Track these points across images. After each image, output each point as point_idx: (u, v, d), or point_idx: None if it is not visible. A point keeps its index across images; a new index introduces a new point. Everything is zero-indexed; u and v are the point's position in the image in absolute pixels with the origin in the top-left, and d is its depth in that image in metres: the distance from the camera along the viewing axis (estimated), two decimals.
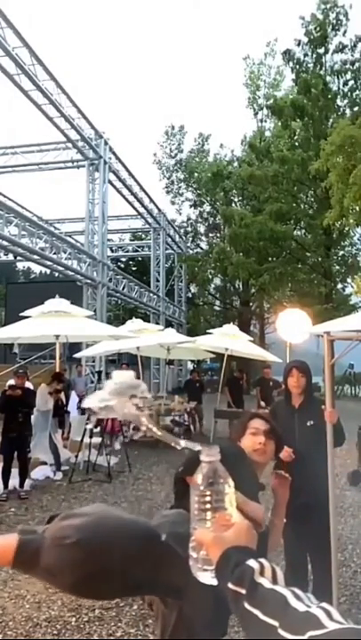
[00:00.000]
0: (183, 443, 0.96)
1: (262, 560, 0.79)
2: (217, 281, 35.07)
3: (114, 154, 19.57)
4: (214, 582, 0.83)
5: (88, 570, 1.30)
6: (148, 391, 1.01)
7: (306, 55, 22.46)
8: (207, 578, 0.86)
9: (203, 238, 35.25)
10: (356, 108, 21.72)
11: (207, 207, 33.50)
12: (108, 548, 1.31)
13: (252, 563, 0.78)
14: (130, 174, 21.51)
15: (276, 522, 1.96)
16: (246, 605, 0.73)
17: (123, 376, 1.04)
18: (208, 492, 0.88)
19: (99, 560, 1.30)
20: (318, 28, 21.82)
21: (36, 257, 15.27)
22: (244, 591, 0.74)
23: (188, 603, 1.50)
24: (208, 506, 0.88)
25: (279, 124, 24.39)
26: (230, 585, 0.77)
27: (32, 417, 6.84)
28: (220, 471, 0.89)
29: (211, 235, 34.79)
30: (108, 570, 1.31)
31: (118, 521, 1.39)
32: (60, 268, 16.32)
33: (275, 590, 0.72)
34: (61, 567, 1.30)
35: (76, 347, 13.63)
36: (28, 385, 7.25)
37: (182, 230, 33.12)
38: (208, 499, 0.88)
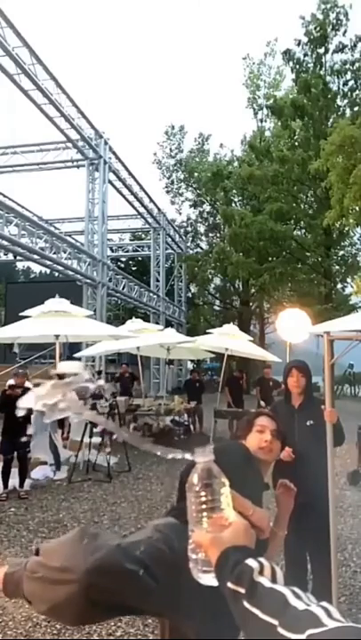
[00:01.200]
0: (171, 455, 0.94)
1: (261, 559, 0.79)
2: (217, 281, 35.10)
3: (114, 153, 19.57)
4: (215, 583, 0.83)
5: (53, 602, 1.39)
6: (91, 378, 0.97)
7: (306, 55, 22.44)
8: (208, 579, 0.86)
9: (203, 238, 35.30)
10: (356, 108, 21.71)
11: (207, 207, 33.52)
12: (70, 582, 1.35)
13: (251, 562, 0.78)
14: (130, 174, 21.51)
15: (280, 533, 1.91)
16: (246, 604, 0.73)
17: (67, 367, 1.00)
18: (203, 493, 0.88)
19: (62, 594, 1.36)
20: (318, 28, 21.80)
21: (35, 257, 15.28)
22: (243, 590, 0.74)
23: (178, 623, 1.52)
24: (204, 507, 0.88)
25: (279, 123, 24.39)
26: (229, 584, 0.77)
27: (32, 417, 6.83)
28: (215, 471, 0.89)
29: (211, 234, 34.81)
30: (73, 603, 1.36)
31: (88, 555, 1.39)
32: (60, 268, 16.32)
33: (274, 589, 0.72)
34: (33, 597, 1.45)
35: (75, 346, 13.63)
36: (28, 385, 7.24)
37: (182, 230, 33.12)
38: (204, 499, 0.88)
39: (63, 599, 1.37)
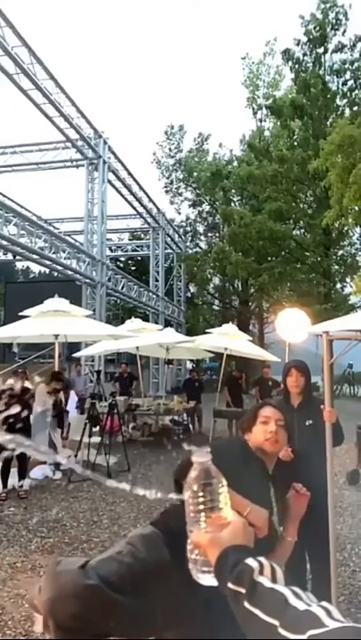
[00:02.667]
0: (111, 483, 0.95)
1: (261, 559, 0.79)
2: (216, 280, 35.09)
3: (113, 153, 19.55)
4: (215, 583, 0.84)
5: (45, 624, 1.53)
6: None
7: (305, 55, 22.44)
8: (208, 579, 0.86)
9: (202, 238, 35.33)
10: (355, 108, 21.71)
11: (206, 207, 33.52)
12: (47, 608, 1.49)
13: (251, 562, 0.78)
14: (129, 174, 21.50)
15: (288, 538, 1.85)
16: (246, 605, 0.73)
17: None
18: (201, 494, 0.88)
19: (44, 618, 1.51)
20: (318, 28, 21.80)
21: (35, 256, 15.26)
22: (243, 590, 0.74)
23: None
24: (202, 507, 0.88)
25: (278, 123, 24.39)
26: (230, 584, 0.77)
27: (31, 416, 6.83)
28: (213, 471, 0.89)
29: (210, 234, 34.81)
30: (58, 625, 1.47)
31: (49, 584, 1.52)
32: (60, 268, 16.31)
33: (275, 589, 0.72)
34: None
35: (75, 346, 13.62)
36: (27, 385, 7.24)
37: (181, 230, 33.10)
38: (202, 500, 0.88)
39: (44, 625, 1.52)
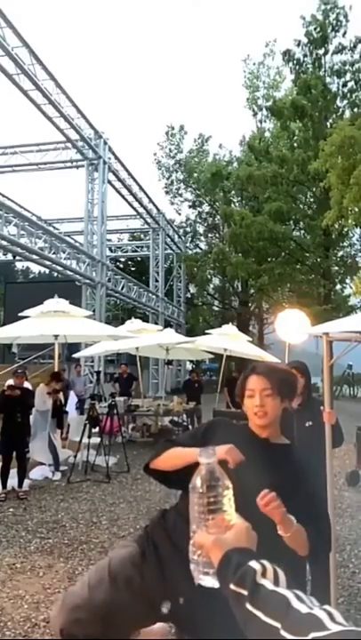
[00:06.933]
0: None
1: (264, 561, 0.79)
2: (216, 281, 35.10)
3: (113, 154, 19.56)
4: (216, 584, 0.84)
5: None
6: None
7: (306, 56, 22.46)
8: (209, 581, 0.86)
9: (202, 238, 35.30)
10: (355, 109, 21.73)
11: (206, 207, 33.53)
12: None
13: (253, 564, 0.78)
14: (129, 174, 21.51)
15: (282, 534, 1.52)
16: (248, 606, 0.73)
17: None
18: (207, 495, 0.88)
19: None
20: (318, 29, 21.83)
21: (35, 257, 15.26)
22: (245, 592, 0.74)
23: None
24: (207, 508, 0.88)
25: (278, 124, 24.41)
26: (232, 586, 0.77)
27: (31, 417, 6.83)
28: (218, 473, 0.89)
29: (210, 235, 34.81)
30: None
31: (54, 608, 1.78)
32: (59, 268, 16.31)
33: (277, 592, 0.72)
34: None
35: (74, 347, 13.61)
36: (27, 385, 7.24)
37: (181, 230, 33.09)
38: (207, 501, 0.88)
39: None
